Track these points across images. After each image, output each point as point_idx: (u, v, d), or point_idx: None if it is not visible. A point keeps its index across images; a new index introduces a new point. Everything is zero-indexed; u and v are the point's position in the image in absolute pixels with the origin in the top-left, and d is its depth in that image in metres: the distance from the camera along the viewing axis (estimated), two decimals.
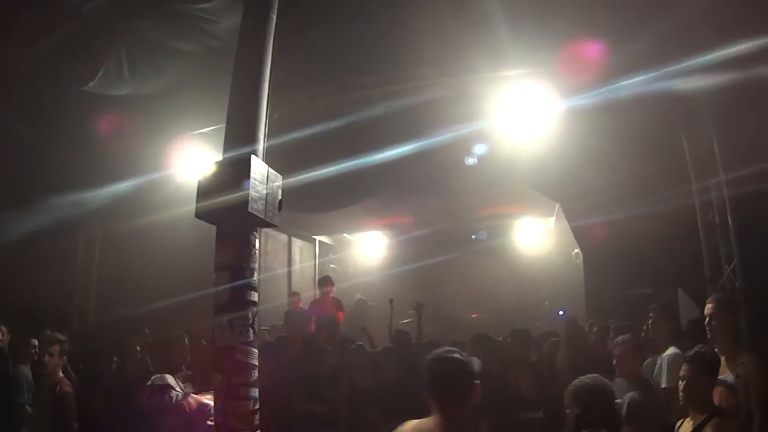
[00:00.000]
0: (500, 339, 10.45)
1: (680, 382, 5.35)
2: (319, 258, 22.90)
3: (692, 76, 8.88)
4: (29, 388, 8.61)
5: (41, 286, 11.80)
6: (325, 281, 15.07)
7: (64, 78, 10.37)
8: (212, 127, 11.90)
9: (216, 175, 5.01)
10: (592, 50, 9.60)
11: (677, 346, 7.34)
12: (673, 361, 7.12)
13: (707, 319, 6.20)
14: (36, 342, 9.09)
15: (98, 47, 10.11)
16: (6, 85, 10.44)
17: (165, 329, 10.76)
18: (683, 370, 5.35)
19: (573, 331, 9.74)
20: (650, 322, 8.26)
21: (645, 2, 8.76)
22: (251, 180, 4.85)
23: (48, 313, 11.45)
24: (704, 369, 5.30)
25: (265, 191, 5.01)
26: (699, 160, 10.72)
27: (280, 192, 5.29)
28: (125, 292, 12.66)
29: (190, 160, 12.43)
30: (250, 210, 4.82)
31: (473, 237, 20.07)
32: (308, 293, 19.00)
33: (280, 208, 5.29)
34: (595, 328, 10.02)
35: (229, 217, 4.97)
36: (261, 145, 5.51)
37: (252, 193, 4.83)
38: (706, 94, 9.49)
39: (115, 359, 9.92)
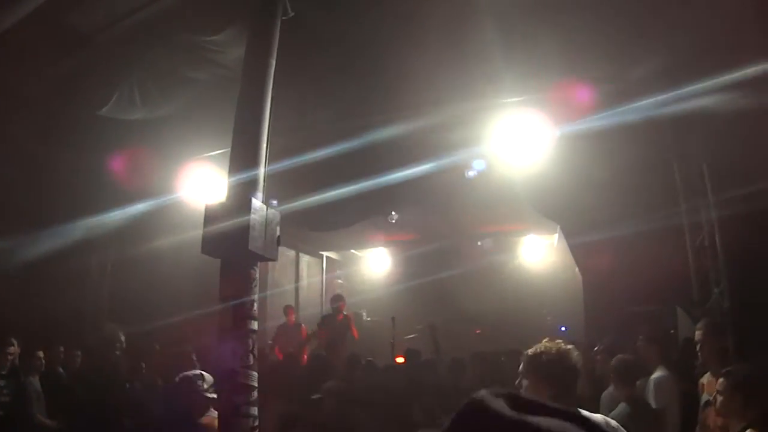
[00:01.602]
0: (502, 358, 10.69)
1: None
2: (326, 273, 23.27)
3: (684, 102, 9.17)
4: (38, 398, 9.10)
5: (54, 304, 12.15)
6: (337, 299, 15.40)
7: (78, 102, 10.73)
8: (220, 151, 12.21)
9: (219, 217, 5.43)
10: (586, 81, 9.94)
11: (666, 367, 7.63)
12: (659, 383, 7.40)
13: (698, 344, 6.48)
14: (42, 354, 9.56)
15: (111, 74, 10.47)
16: (22, 107, 10.84)
17: (173, 345, 11.15)
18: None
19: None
20: (637, 344, 8.54)
21: (638, 33, 9.05)
22: (251, 221, 5.28)
23: (60, 329, 11.85)
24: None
25: (264, 230, 5.44)
26: (689, 182, 11.01)
27: (278, 229, 5.72)
28: (136, 310, 12.95)
29: (199, 182, 12.76)
30: (250, 248, 5.26)
31: (479, 243, 20.21)
32: (314, 308, 19.40)
33: (278, 243, 5.72)
34: (596, 347, 10.18)
35: (232, 255, 5.41)
36: (263, 170, 5.98)
37: (252, 233, 5.27)
38: (697, 119, 9.81)
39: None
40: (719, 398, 5.50)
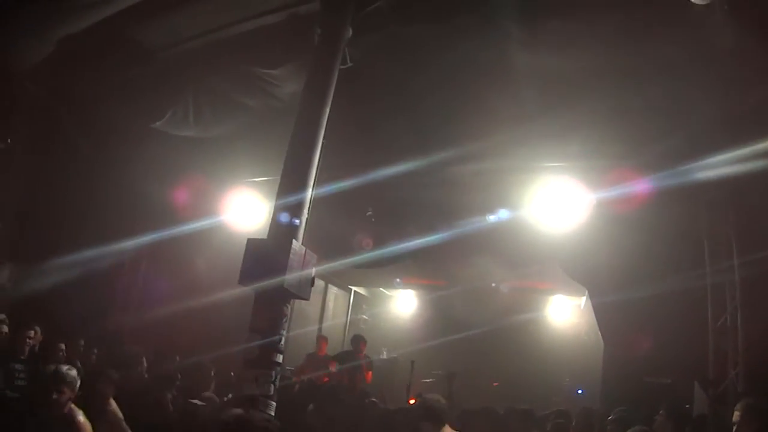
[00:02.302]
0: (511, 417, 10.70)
1: None
2: (352, 308, 23.34)
3: (714, 169, 9.36)
4: None
5: (84, 306, 12.47)
6: (358, 339, 15.53)
7: (135, 113, 11.11)
8: (262, 178, 12.50)
9: (260, 253, 5.73)
10: (623, 152, 10.16)
11: None
12: None
13: (734, 426, 6.43)
14: (64, 346, 9.77)
15: (170, 91, 10.88)
16: (83, 108, 11.24)
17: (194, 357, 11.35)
18: None
19: (585, 423, 10.08)
20: (656, 418, 8.66)
21: (671, 106, 9.27)
22: (290, 261, 5.56)
23: (83, 326, 12.13)
24: None
25: (300, 270, 5.72)
26: (716, 258, 11.16)
27: (314, 270, 6.00)
28: (163, 319, 13.18)
29: (240, 207, 13.06)
30: (285, 286, 5.54)
31: (493, 284, 20.06)
32: (337, 339, 19.51)
33: (312, 284, 6.00)
34: (609, 416, 10.18)
35: (267, 290, 5.69)
36: (308, 202, 6.31)
37: (289, 272, 5.56)
38: (728, 191, 10.02)
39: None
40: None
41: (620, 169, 10.39)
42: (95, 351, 12.03)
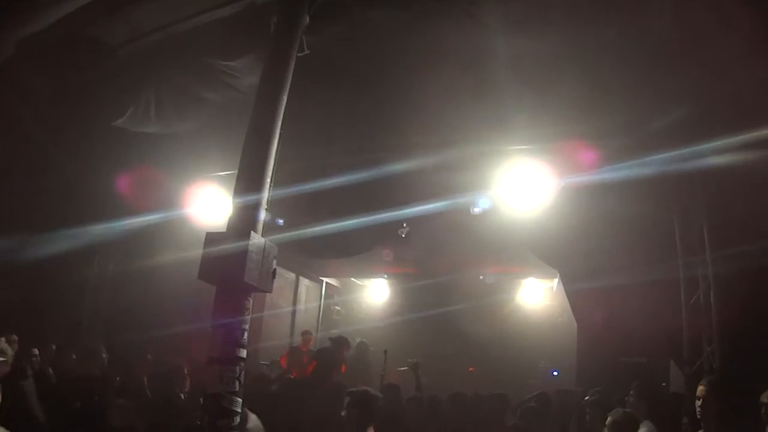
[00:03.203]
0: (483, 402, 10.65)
1: None
2: (324, 299, 23.24)
3: (688, 160, 9.32)
4: (30, 392, 9.09)
5: (52, 305, 12.31)
6: (340, 341, 15.42)
7: (96, 111, 10.92)
8: (227, 172, 12.36)
9: (220, 245, 5.59)
10: (593, 135, 10.09)
11: (654, 422, 7.71)
12: None
13: (699, 400, 6.30)
14: (37, 351, 9.62)
15: (130, 87, 10.68)
16: (43, 109, 11.03)
17: (168, 357, 11.21)
18: None
19: (563, 403, 10.07)
20: (627, 398, 8.66)
21: (647, 91, 9.21)
22: (249, 253, 5.44)
23: (55, 331, 11.96)
24: None
25: (261, 262, 5.59)
26: (688, 239, 11.17)
27: (274, 262, 5.88)
28: (134, 319, 13.02)
29: (204, 201, 12.92)
30: (246, 279, 5.41)
31: (481, 277, 20.08)
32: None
33: (274, 276, 5.88)
34: (586, 397, 10.15)
35: (227, 284, 5.56)
36: (266, 194, 6.18)
37: (249, 264, 5.42)
38: (700, 178, 9.98)
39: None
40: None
41: (591, 153, 10.35)
42: (74, 357, 11.86)
